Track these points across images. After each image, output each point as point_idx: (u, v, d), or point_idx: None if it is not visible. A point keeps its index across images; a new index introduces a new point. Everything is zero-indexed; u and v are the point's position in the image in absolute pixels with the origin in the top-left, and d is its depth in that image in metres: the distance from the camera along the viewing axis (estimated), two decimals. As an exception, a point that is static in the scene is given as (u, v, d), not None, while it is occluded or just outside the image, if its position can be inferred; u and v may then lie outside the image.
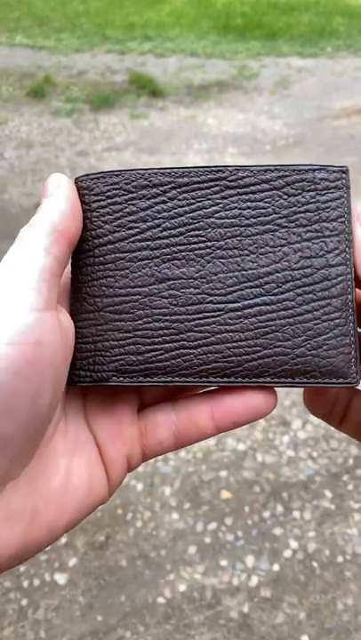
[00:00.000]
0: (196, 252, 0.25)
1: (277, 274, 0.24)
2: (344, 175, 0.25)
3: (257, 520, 1.30)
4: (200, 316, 0.24)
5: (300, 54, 5.39)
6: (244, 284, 0.24)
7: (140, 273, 0.25)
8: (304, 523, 1.29)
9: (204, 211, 0.25)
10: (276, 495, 1.35)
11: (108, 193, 0.26)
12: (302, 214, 0.25)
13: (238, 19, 6.46)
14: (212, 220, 0.25)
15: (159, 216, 0.25)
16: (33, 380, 0.17)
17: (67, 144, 3.37)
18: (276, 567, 1.21)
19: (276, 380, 0.24)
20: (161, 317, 0.24)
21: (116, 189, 0.26)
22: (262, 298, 0.24)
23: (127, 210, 0.25)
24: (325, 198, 0.25)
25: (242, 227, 0.25)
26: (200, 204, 0.25)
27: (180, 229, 0.25)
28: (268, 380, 0.24)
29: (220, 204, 0.25)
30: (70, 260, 0.25)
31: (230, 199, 0.25)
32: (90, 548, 1.24)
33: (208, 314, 0.24)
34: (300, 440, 1.47)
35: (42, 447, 0.20)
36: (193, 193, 0.25)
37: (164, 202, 0.25)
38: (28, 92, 4.19)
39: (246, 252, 0.25)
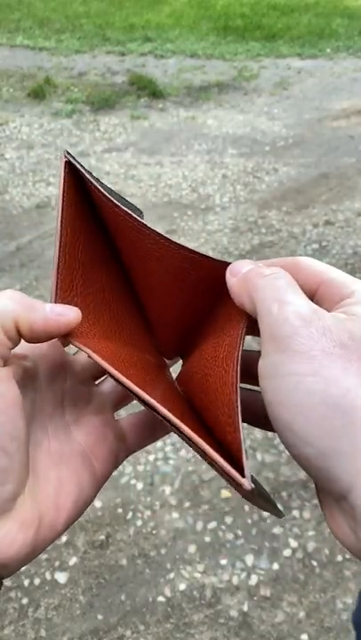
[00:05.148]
0: None
1: None
2: None
3: (257, 519, 1.30)
4: None
5: (300, 55, 5.40)
6: None
7: None
8: (303, 522, 1.29)
9: None
10: (276, 494, 1.35)
11: None
12: None
13: (238, 20, 6.48)
14: None
15: None
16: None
17: (67, 145, 3.38)
18: (275, 566, 1.21)
19: None
20: None
21: None
22: None
23: None
24: None
25: None
26: None
27: None
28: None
29: None
30: None
31: None
32: (90, 547, 1.25)
33: None
34: (300, 439, 1.48)
35: (31, 466, 0.24)
36: None
37: None
38: (28, 93, 4.20)
39: None
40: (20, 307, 0.23)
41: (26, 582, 1.19)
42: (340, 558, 1.22)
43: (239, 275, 0.25)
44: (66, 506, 0.25)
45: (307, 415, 0.20)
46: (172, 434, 0.27)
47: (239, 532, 1.27)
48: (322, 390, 0.20)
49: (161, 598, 1.16)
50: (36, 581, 1.19)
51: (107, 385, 0.30)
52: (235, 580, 1.19)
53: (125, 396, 0.30)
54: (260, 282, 0.23)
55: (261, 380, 0.22)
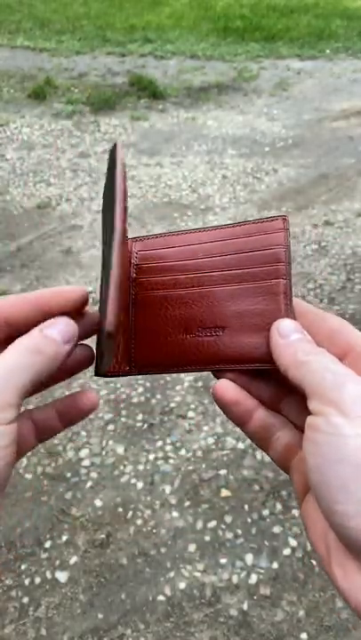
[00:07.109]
0: None
1: None
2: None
3: (256, 518, 1.31)
4: None
5: (299, 56, 5.41)
6: None
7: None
8: (303, 521, 1.30)
9: None
10: (276, 493, 1.36)
11: None
12: None
13: (238, 21, 6.48)
14: None
15: None
16: None
17: (68, 145, 3.39)
18: (275, 565, 1.22)
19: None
20: None
21: None
22: None
23: None
24: None
25: None
26: None
27: None
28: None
29: None
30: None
31: None
32: (90, 546, 1.25)
33: None
34: (300, 439, 1.48)
35: None
36: None
37: None
38: (29, 94, 4.21)
39: None
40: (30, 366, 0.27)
41: (26, 581, 1.19)
42: (339, 557, 1.22)
43: (288, 340, 0.29)
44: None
45: None
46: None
47: (239, 531, 1.28)
48: None
49: (161, 597, 1.17)
50: (37, 580, 1.19)
51: None
52: (234, 579, 1.19)
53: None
54: (307, 358, 0.27)
55: (315, 435, 0.25)
